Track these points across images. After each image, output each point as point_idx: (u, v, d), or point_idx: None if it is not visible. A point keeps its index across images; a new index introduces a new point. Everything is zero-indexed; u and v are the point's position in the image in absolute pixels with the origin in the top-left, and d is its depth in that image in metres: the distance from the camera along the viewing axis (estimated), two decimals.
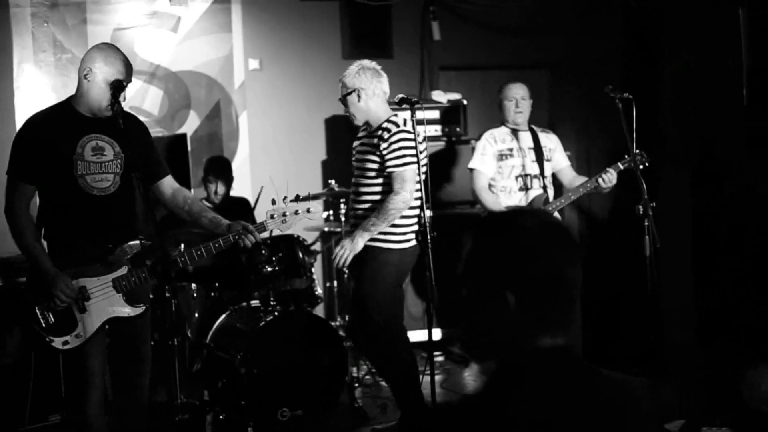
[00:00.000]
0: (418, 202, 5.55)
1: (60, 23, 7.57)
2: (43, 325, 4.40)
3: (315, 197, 6.90)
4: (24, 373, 5.88)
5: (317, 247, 7.29)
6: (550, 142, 6.66)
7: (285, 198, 4.73)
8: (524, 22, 9.25)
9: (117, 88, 4.41)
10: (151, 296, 4.88)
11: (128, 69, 4.52)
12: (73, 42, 7.62)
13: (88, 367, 4.49)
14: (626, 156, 6.05)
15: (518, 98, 6.57)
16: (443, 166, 8.08)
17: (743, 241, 7.34)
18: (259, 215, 6.39)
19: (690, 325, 7.64)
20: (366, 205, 5.66)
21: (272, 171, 8.33)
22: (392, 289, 5.69)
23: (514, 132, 6.57)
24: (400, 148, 5.49)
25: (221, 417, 6.05)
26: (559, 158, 6.68)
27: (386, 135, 5.52)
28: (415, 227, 5.64)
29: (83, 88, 4.51)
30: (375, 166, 5.59)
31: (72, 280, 4.39)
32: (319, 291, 6.76)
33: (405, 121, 5.54)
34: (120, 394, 4.74)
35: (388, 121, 5.59)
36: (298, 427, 6.04)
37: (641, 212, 5.84)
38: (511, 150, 6.50)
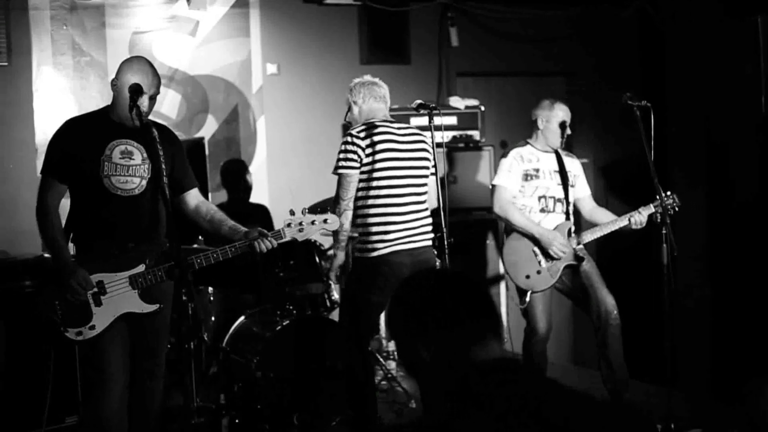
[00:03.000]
0: (381, 209, 5.55)
1: (79, 26, 7.59)
2: (60, 316, 4.56)
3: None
4: (42, 375, 5.90)
5: (296, 213, 7.28)
6: (574, 167, 6.46)
7: (304, 210, 4.77)
8: (541, 29, 9.26)
9: (135, 91, 4.54)
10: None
11: (150, 78, 4.67)
12: (91, 45, 7.64)
13: (106, 362, 4.61)
14: (657, 198, 5.95)
15: (567, 120, 6.30)
16: (460, 172, 8.08)
17: (760, 249, 7.33)
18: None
19: (705, 334, 7.63)
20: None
21: (290, 176, 8.37)
22: (368, 296, 5.61)
23: (541, 153, 6.33)
24: (340, 151, 5.58)
25: (237, 421, 6.06)
26: (581, 186, 6.49)
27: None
28: (396, 234, 5.57)
29: (113, 97, 4.71)
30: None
31: (90, 275, 4.56)
32: (336, 296, 6.75)
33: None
34: (132, 395, 4.80)
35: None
36: None
37: (659, 220, 5.82)
38: (537, 171, 6.27)
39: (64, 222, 4.77)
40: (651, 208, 6.00)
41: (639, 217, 6.03)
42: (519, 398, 2.10)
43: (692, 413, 6.11)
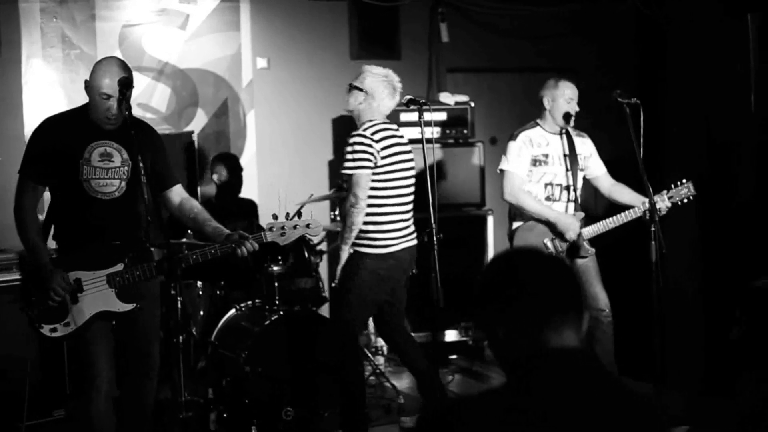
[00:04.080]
0: (391, 209, 5.59)
1: (69, 19, 7.57)
2: (36, 312, 4.57)
3: (325, 198, 6.93)
4: (24, 367, 5.93)
5: (323, 246, 7.29)
6: (585, 148, 6.36)
7: (288, 214, 4.79)
8: (532, 25, 9.25)
9: (124, 85, 4.54)
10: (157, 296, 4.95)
11: (114, 84, 4.56)
12: (81, 38, 7.62)
13: (90, 361, 4.63)
14: (672, 186, 5.95)
15: (574, 99, 6.17)
16: (450, 168, 8.08)
17: (751, 247, 7.34)
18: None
19: (696, 330, 7.65)
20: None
21: (279, 170, 8.36)
22: (367, 292, 5.66)
23: (551, 135, 6.23)
24: (353, 151, 5.55)
25: (225, 415, 6.06)
26: (595, 165, 6.40)
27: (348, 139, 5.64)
28: (405, 231, 5.66)
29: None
30: None
31: (68, 272, 4.57)
32: (325, 291, 6.76)
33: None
34: (124, 396, 4.82)
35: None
36: (302, 427, 6.05)
37: (647, 217, 5.81)
38: (546, 156, 6.16)
39: (43, 216, 4.82)
40: (665, 199, 6.01)
41: (662, 204, 5.99)
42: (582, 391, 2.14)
43: (682, 410, 6.12)
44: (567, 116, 6.16)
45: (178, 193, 4.99)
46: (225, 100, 8.23)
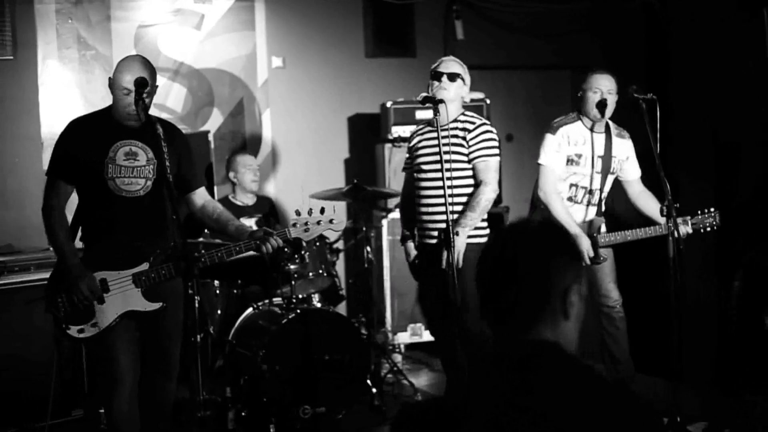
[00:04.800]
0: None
1: (84, 20, 7.59)
2: (62, 314, 4.58)
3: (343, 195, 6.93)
4: (47, 367, 5.92)
5: (340, 245, 7.29)
6: (623, 150, 6.23)
7: (310, 210, 4.77)
8: (547, 22, 9.24)
9: (140, 85, 4.54)
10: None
11: (135, 77, 4.58)
12: (97, 39, 7.64)
13: (114, 360, 4.62)
14: (699, 213, 5.93)
15: (604, 90, 6.01)
16: None
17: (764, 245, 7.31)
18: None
19: (711, 327, 7.61)
20: (462, 199, 5.60)
21: (295, 169, 8.37)
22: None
23: (589, 132, 6.11)
24: (492, 139, 5.61)
25: (243, 414, 6.07)
26: (630, 168, 6.29)
27: (471, 126, 5.62)
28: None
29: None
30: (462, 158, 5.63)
31: (93, 272, 4.58)
32: (342, 289, 6.76)
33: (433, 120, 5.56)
34: (143, 394, 4.78)
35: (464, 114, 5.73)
36: (319, 425, 6.05)
37: (665, 213, 5.78)
38: (579, 156, 6.07)
39: (71, 218, 4.79)
40: (689, 222, 5.97)
41: (682, 229, 5.87)
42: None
43: (699, 406, 6.10)
44: (599, 106, 6.00)
45: (201, 196, 5.01)
46: (241, 100, 8.24)
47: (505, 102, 8.96)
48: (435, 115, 5.35)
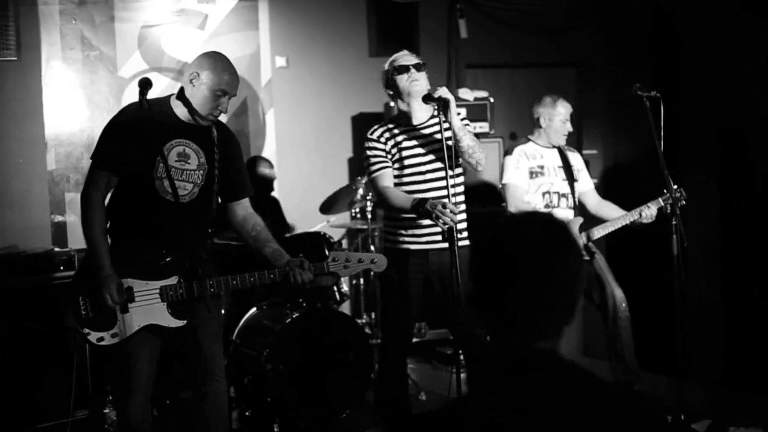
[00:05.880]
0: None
1: (88, 20, 7.60)
2: (83, 316, 4.36)
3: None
4: (63, 366, 5.96)
5: (344, 244, 7.29)
6: (576, 161, 6.48)
7: (347, 246, 4.66)
8: (551, 20, 9.23)
9: (144, 84, 4.29)
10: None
11: (234, 81, 4.50)
12: (100, 39, 7.65)
13: (132, 369, 4.43)
14: (665, 191, 5.91)
15: (569, 117, 6.35)
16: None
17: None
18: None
19: (717, 324, 7.61)
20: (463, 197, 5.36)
21: (299, 168, 8.37)
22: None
23: (544, 149, 6.37)
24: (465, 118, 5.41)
25: (247, 413, 6.08)
26: (584, 180, 6.50)
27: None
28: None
29: (187, 92, 4.49)
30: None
31: (120, 278, 4.33)
32: (345, 288, 6.76)
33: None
34: (203, 403, 4.64)
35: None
36: (323, 424, 6.05)
37: (668, 210, 5.78)
38: (542, 167, 6.30)
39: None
40: (660, 202, 5.99)
41: (648, 212, 6.04)
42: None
43: (704, 404, 6.11)
44: (562, 136, 6.35)
45: (244, 207, 4.75)
46: (244, 99, 8.25)
47: (508, 100, 8.95)
48: (438, 114, 5.03)
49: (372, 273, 7.09)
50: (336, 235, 7.35)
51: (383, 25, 8.73)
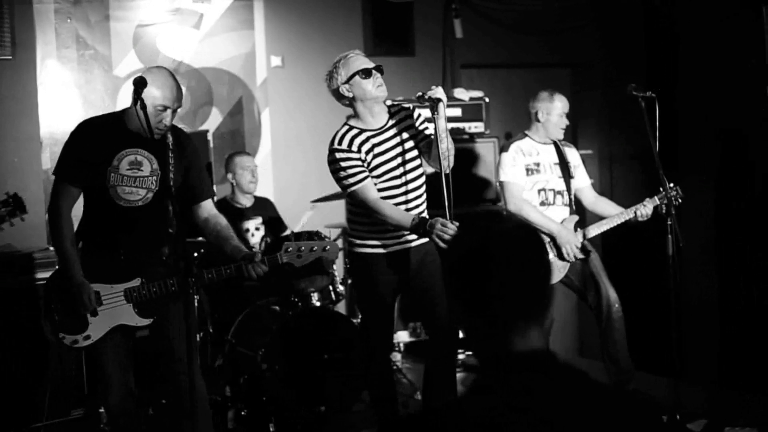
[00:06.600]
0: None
1: (83, 19, 7.59)
2: (57, 321, 4.60)
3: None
4: (42, 368, 5.95)
5: (339, 244, 7.28)
6: (573, 157, 6.49)
7: (306, 234, 4.77)
8: (546, 20, 9.23)
9: (139, 83, 4.40)
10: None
11: (176, 95, 4.59)
12: (96, 38, 7.64)
13: (104, 368, 4.68)
14: (661, 190, 5.91)
15: (566, 112, 6.37)
16: (464, 164, 8.05)
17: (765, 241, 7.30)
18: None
19: (713, 324, 7.61)
20: (424, 197, 5.31)
21: (294, 168, 8.36)
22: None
23: (540, 145, 6.38)
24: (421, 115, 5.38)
25: (243, 413, 6.07)
26: (581, 176, 6.52)
27: (408, 111, 5.37)
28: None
29: (131, 107, 4.54)
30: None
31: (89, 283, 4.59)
32: (341, 288, 6.75)
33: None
34: (168, 396, 4.89)
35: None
36: (320, 424, 6.05)
37: (664, 211, 5.79)
38: (537, 165, 6.29)
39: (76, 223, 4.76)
40: (656, 200, 6.00)
41: (644, 210, 6.06)
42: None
43: (700, 404, 6.11)
44: (560, 130, 6.37)
45: (206, 210, 4.93)
46: (240, 99, 8.24)
47: (504, 100, 8.95)
48: (433, 114, 4.97)
49: (349, 281, 7.13)
50: (331, 234, 7.34)
51: (379, 25, 8.73)
